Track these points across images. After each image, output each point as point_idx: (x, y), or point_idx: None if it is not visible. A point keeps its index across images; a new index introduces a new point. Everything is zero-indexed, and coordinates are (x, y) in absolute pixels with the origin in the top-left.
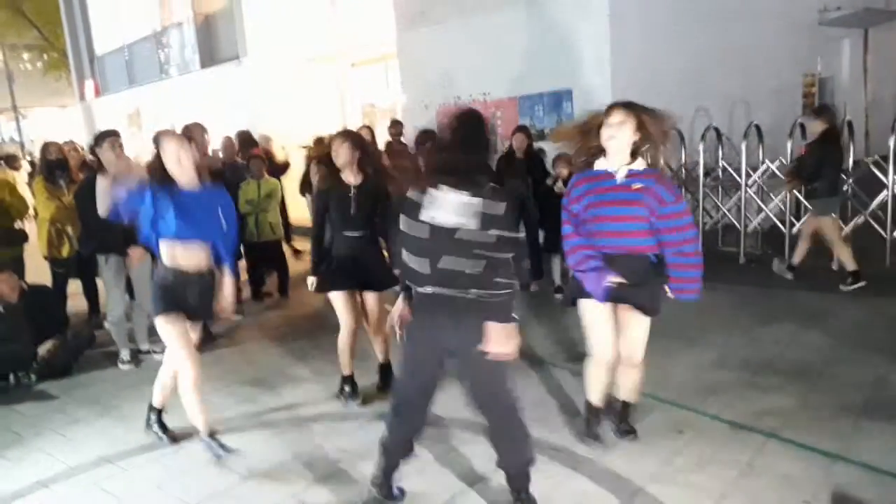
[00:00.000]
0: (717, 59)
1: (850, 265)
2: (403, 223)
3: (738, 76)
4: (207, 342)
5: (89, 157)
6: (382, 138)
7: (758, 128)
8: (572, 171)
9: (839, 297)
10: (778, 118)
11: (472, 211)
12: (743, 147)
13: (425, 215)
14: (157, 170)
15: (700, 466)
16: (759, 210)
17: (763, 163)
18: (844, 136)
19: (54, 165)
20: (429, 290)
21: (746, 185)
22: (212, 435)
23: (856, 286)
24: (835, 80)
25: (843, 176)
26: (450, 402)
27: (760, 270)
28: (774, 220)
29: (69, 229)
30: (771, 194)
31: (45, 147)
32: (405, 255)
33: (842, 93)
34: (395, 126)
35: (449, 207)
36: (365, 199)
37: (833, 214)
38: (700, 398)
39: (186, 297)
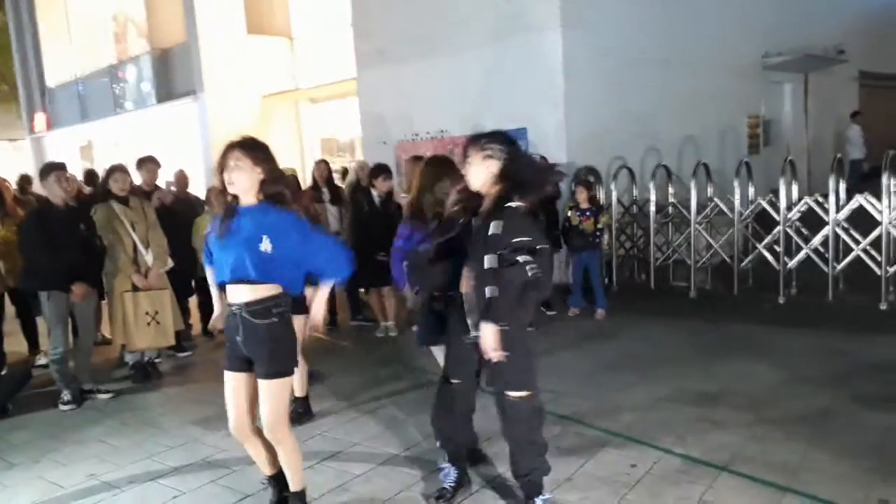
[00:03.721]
0: (666, 102)
1: None
2: None
3: (686, 117)
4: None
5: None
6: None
7: (706, 166)
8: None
9: (786, 331)
10: (724, 158)
11: None
12: (692, 185)
13: None
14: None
15: (653, 501)
16: (709, 246)
17: (711, 200)
18: (787, 174)
19: None
20: None
21: (695, 221)
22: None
23: None
24: (778, 122)
25: None
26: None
27: (711, 305)
28: (723, 255)
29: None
30: (720, 231)
31: None
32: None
33: (784, 134)
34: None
35: None
36: None
37: None
38: (653, 432)
39: None
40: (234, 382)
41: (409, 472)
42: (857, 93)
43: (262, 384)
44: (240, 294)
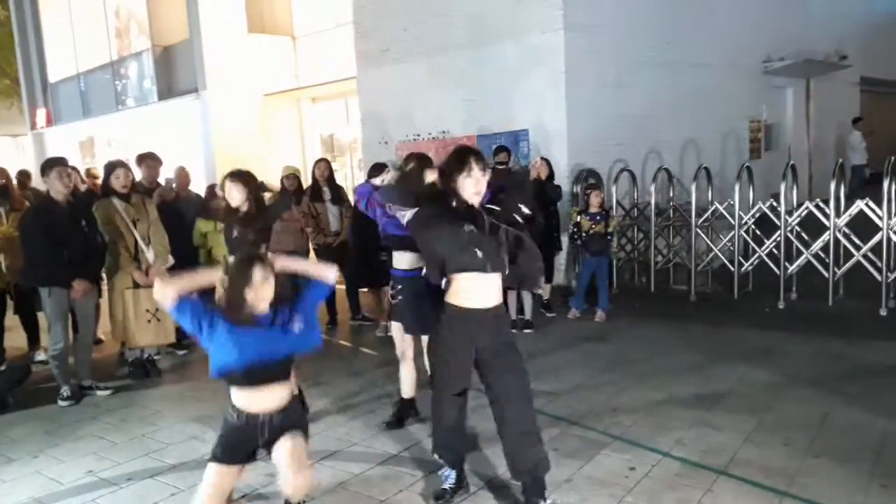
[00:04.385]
0: (668, 105)
1: None
2: None
3: (688, 121)
4: None
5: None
6: (342, 172)
7: (707, 170)
8: None
9: (786, 335)
10: (726, 161)
11: None
12: (693, 188)
13: None
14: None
15: None
16: (709, 250)
17: (712, 204)
18: (788, 179)
19: None
20: None
21: (696, 225)
22: None
23: None
24: (780, 127)
25: None
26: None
27: (711, 309)
28: (723, 259)
29: (1, 259)
30: (720, 234)
31: None
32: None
33: (786, 138)
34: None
35: None
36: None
37: None
38: (651, 435)
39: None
40: (234, 476)
41: (407, 472)
42: (859, 98)
43: (290, 444)
44: (273, 398)
